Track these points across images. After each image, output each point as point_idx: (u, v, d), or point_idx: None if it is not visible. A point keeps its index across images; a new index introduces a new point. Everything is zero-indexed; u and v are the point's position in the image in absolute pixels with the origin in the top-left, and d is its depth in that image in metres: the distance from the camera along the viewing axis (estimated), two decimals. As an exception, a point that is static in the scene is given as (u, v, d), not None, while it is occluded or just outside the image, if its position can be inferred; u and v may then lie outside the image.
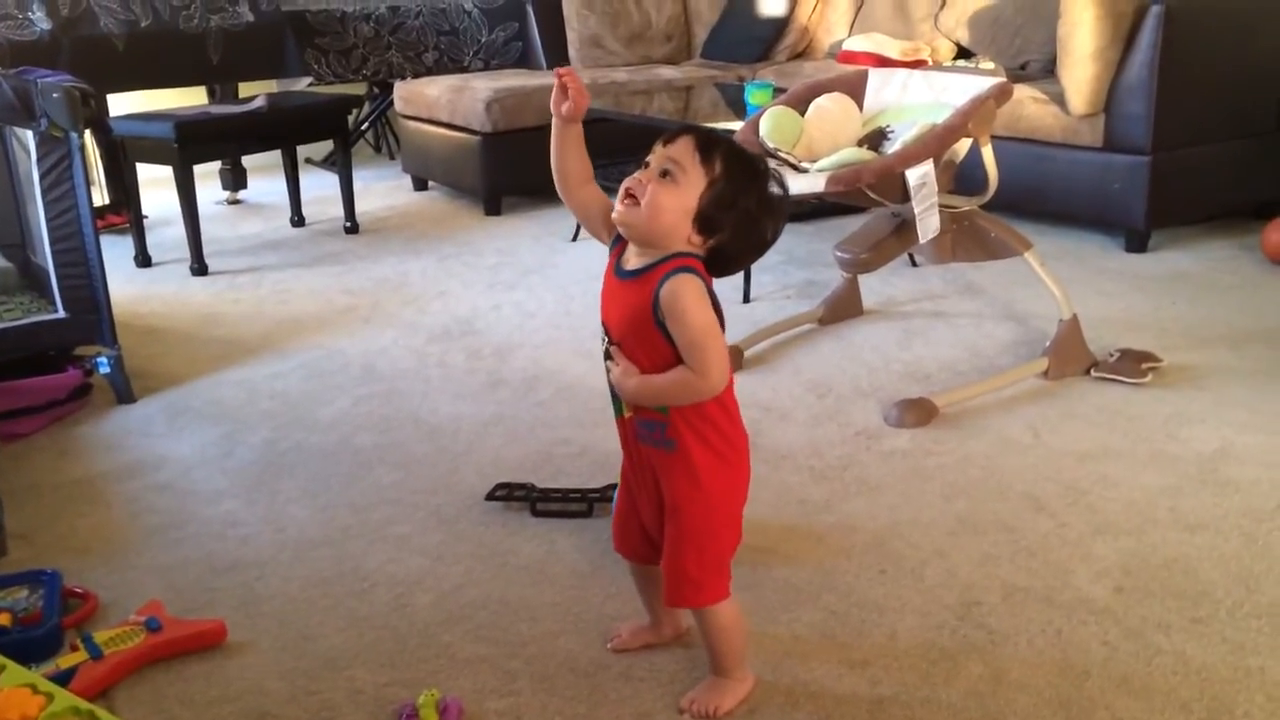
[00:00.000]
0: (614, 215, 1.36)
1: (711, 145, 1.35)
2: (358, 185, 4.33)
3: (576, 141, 1.47)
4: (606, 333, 1.41)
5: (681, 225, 1.34)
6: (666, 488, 1.41)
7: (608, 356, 1.41)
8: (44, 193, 2.44)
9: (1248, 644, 1.54)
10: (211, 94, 4.78)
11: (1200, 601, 1.64)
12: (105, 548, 1.93)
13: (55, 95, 2.37)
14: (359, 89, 5.50)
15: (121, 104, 4.58)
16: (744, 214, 1.35)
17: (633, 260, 1.38)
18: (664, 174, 1.33)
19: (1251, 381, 2.46)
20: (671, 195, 1.33)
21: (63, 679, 1.50)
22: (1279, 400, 2.35)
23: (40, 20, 4.03)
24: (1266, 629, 1.57)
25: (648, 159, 1.36)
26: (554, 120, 1.46)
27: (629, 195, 1.34)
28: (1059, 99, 3.50)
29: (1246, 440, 2.17)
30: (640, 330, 1.35)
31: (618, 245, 1.42)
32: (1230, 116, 3.54)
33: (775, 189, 1.39)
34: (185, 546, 1.92)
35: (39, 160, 2.43)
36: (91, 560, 1.89)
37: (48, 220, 2.46)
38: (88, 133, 3.95)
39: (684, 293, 1.31)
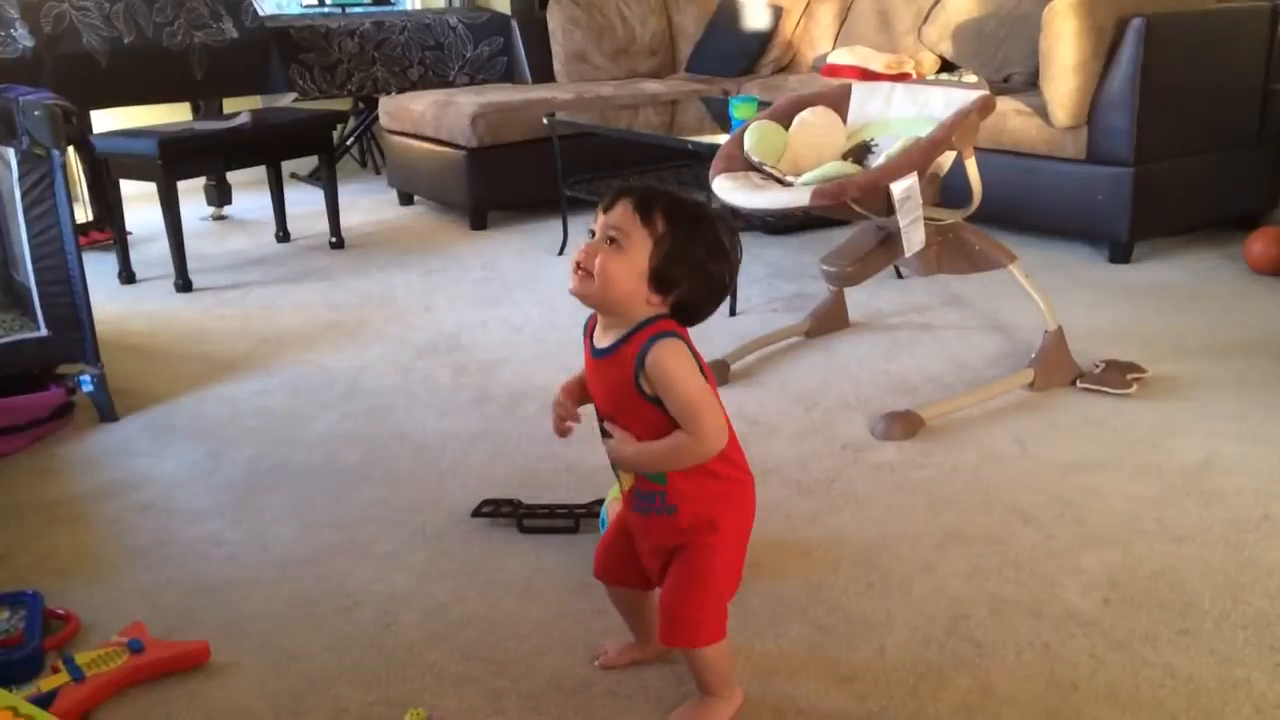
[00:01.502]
0: (570, 289, 1.36)
1: (649, 203, 1.34)
2: (343, 200, 4.32)
3: None
4: (598, 411, 1.42)
5: (638, 289, 1.34)
6: (676, 540, 1.40)
7: (605, 434, 1.41)
8: (25, 210, 2.43)
9: (1234, 655, 1.54)
10: (196, 110, 4.78)
11: (1187, 613, 1.64)
12: (87, 568, 1.92)
13: (37, 113, 2.36)
14: (344, 104, 5.50)
15: (105, 121, 4.57)
16: (695, 263, 1.35)
17: (603, 338, 1.38)
18: (610, 241, 1.33)
19: (1236, 391, 2.46)
20: (620, 262, 1.33)
21: (44, 701, 1.48)
22: (1264, 410, 2.36)
23: (22, 37, 4.01)
24: (1253, 640, 1.57)
25: (592, 227, 1.37)
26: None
27: (580, 268, 1.34)
28: (1042, 111, 3.52)
29: (1232, 450, 2.17)
30: (627, 404, 1.36)
31: (591, 319, 1.43)
32: (1212, 128, 3.57)
33: (723, 229, 1.38)
34: (168, 566, 1.91)
35: (20, 178, 2.42)
36: (73, 581, 1.87)
37: (29, 238, 2.45)
38: (71, 149, 3.94)
39: (668, 359, 1.32)
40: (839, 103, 2.60)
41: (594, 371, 1.41)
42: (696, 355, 1.36)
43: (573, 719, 1.46)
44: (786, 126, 2.55)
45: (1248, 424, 2.29)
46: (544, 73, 5.03)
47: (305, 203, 4.72)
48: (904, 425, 2.30)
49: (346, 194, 4.65)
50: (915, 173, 2.21)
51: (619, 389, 1.36)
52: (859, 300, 3.11)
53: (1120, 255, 3.52)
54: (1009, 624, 1.63)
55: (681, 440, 1.33)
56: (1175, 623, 1.62)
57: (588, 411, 1.46)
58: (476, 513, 2.02)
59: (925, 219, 2.27)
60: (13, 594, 1.76)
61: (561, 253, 3.89)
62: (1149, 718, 1.42)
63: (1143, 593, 1.70)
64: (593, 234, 1.36)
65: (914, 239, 2.26)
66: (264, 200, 4.45)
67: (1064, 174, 3.52)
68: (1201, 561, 1.78)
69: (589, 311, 1.43)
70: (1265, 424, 2.29)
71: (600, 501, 1.95)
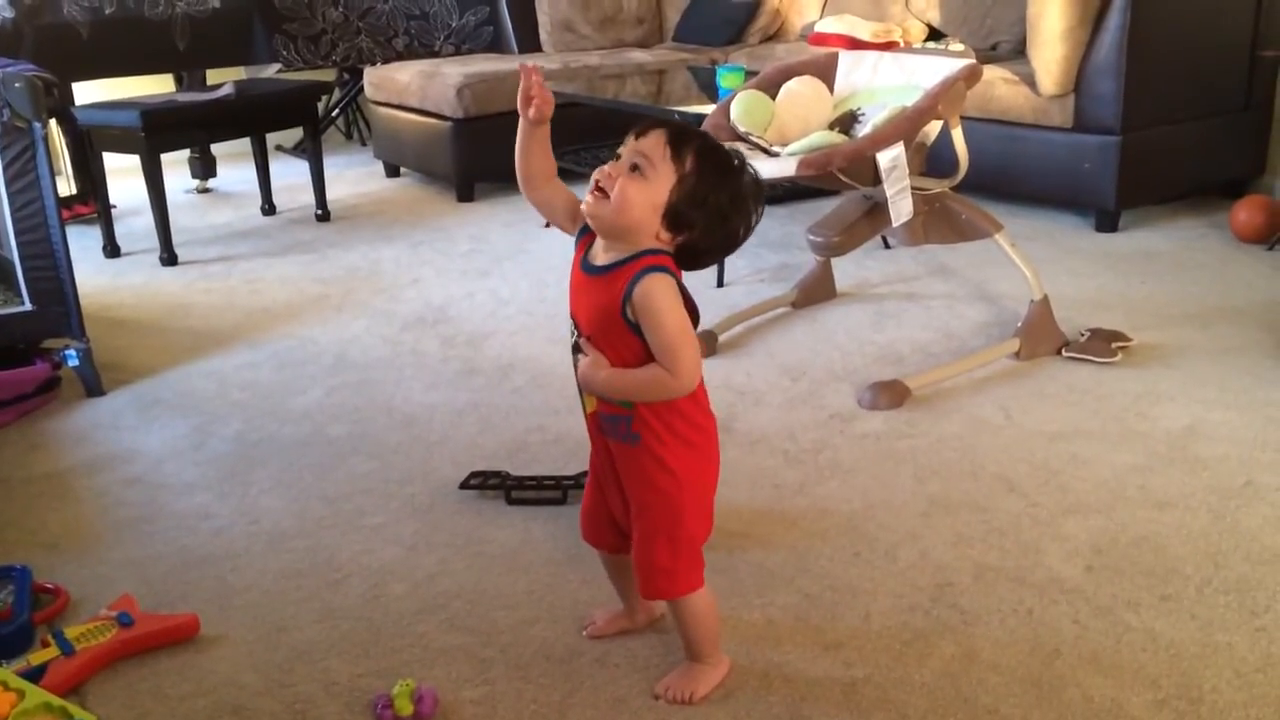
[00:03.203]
0: (583, 208, 1.35)
1: (683, 140, 1.33)
2: (329, 172, 4.30)
3: (543, 142, 1.46)
4: (575, 326, 1.40)
5: (650, 221, 1.32)
6: (633, 480, 1.41)
7: (576, 350, 1.40)
8: (7, 184, 2.41)
9: (1215, 620, 1.56)
10: (179, 81, 4.73)
11: (1169, 579, 1.66)
12: (76, 542, 1.92)
13: (17, 85, 2.34)
14: (328, 75, 5.44)
15: (87, 92, 4.52)
16: (714, 211, 1.34)
17: (601, 256, 1.37)
18: (634, 168, 1.32)
19: (1220, 359, 2.48)
20: (640, 190, 1.31)
21: (34, 675, 1.49)
22: (1247, 377, 2.37)
23: (2, 8, 3.96)
24: (1234, 605, 1.59)
25: (620, 150, 1.35)
26: (521, 121, 1.44)
27: (598, 188, 1.33)
28: (1029, 80, 3.51)
29: (1215, 418, 2.19)
30: (609, 327, 1.35)
31: (584, 238, 1.41)
32: (1198, 95, 3.57)
33: (749, 185, 1.37)
34: (157, 540, 1.91)
35: (1, 151, 2.39)
36: (62, 555, 1.87)
37: (12, 212, 2.43)
38: (53, 122, 3.90)
39: (657, 294, 1.31)
40: (826, 72, 2.59)
41: (582, 287, 1.39)
42: (686, 295, 1.35)
43: (561, 688, 1.48)
44: (773, 96, 2.53)
45: (1231, 391, 2.31)
46: (530, 42, 4.99)
47: (290, 175, 4.70)
48: (891, 395, 2.31)
49: (332, 166, 4.62)
50: (902, 142, 2.21)
51: (604, 311, 1.35)
52: (846, 270, 3.11)
53: (1107, 224, 3.53)
54: (993, 591, 1.65)
55: (657, 374, 1.33)
56: (1157, 588, 1.64)
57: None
58: (465, 485, 2.03)
59: (912, 189, 2.27)
60: (1, 568, 1.75)
61: (549, 224, 3.86)
62: (1130, 682, 1.44)
63: (1125, 559, 1.72)
64: (618, 156, 1.34)
65: (901, 209, 2.26)
66: (249, 173, 4.42)
67: (1051, 143, 3.51)
68: (1184, 527, 1.80)
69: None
70: (1249, 391, 2.31)
71: (587, 473, 1.96)
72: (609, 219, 1.33)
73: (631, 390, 1.35)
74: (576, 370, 1.40)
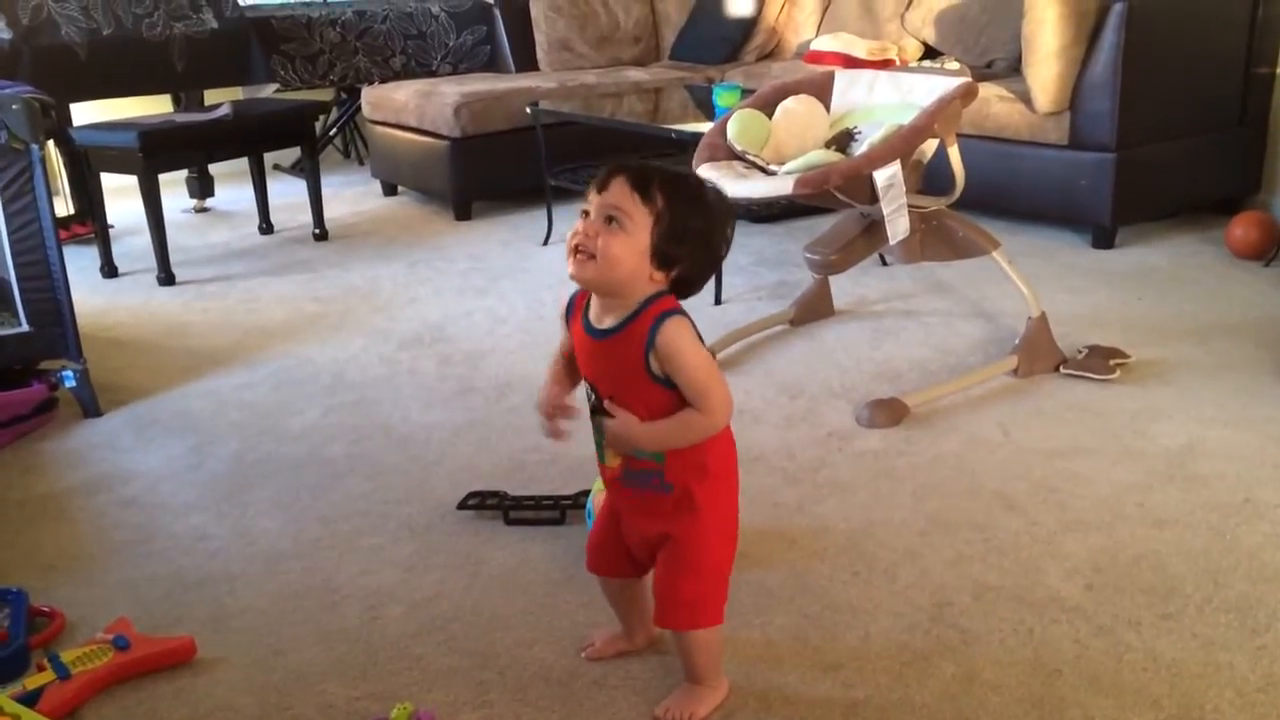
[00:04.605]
0: (570, 273, 1.34)
1: (646, 180, 1.33)
2: (326, 191, 4.30)
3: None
4: (592, 390, 1.40)
5: (641, 267, 1.33)
6: (662, 519, 1.41)
7: (595, 413, 1.40)
8: (5, 205, 2.41)
9: (1217, 639, 1.55)
10: (176, 102, 4.74)
11: (1170, 597, 1.66)
12: (72, 565, 1.91)
13: (15, 107, 2.35)
14: (326, 94, 5.46)
15: (85, 113, 4.53)
16: (697, 237, 1.35)
17: (605, 318, 1.36)
18: (609, 220, 1.31)
19: (1218, 376, 2.48)
20: (623, 242, 1.31)
21: (30, 700, 1.48)
22: (1245, 394, 2.37)
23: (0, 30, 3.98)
24: (1235, 624, 1.59)
25: (585, 208, 1.34)
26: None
27: (579, 250, 1.32)
28: (1025, 97, 3.52)
29: (1213, 435, 2.19)
30: (633, 384, 1.35)
31: (576, 300, 1.42)
32: (1194, 112, 3.58)
33: (717, 201, 1.38)
34: (153, 562, 1.90)
35: (-1, 172, 2.40)
36: (58, 578, 1.86)
37: (9, 233, 2.43)
38: (50, 143, 3.91)
39: (678, 337, 1.32)
40: (822, 90, 2.60)
41: (594, 352, 1.39)
42: (695, 330, 1.36)
43: (559, 710, 1.47)
44: (770, 114, 2.54)
45: (1229, 408, 2.31)
46: (527, 61, 5.00)
47: (288, 194, 4.70)
48: (889, 413, 2.31)
49: (329, 185, 4.62)
50: (898, 160, 2.21)
51: (625, 369, 1.35)
52: (843, 288, 3.11)
53: (1103, 240, 3.53)
54: (993, 610, 1.64)
55: (691, 417, 1.34)
56: (1158, 607, 1.63)
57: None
58: (462, 505, 2.02)
59: (909, 206, 2.28)
60: (-3, 592, 1.75)
61: (546, 242, 3.88)
62: (1132, 702, 1.43)
63: (1125, 577, 1.71)
64: (586, 214, 1.34)
65: (899, 227, 2.26)
66: (246, 192, 4.43)
67: (1047, 159, 3.52)
68: (1184, 545, 1.79)
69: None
70: (1247, 408, 2.30)
71: (586, 492, 1.96)
72: (601, 277, 1.33)
73: (669, 438, 1.36)
74: (597, 433, 1.40)
